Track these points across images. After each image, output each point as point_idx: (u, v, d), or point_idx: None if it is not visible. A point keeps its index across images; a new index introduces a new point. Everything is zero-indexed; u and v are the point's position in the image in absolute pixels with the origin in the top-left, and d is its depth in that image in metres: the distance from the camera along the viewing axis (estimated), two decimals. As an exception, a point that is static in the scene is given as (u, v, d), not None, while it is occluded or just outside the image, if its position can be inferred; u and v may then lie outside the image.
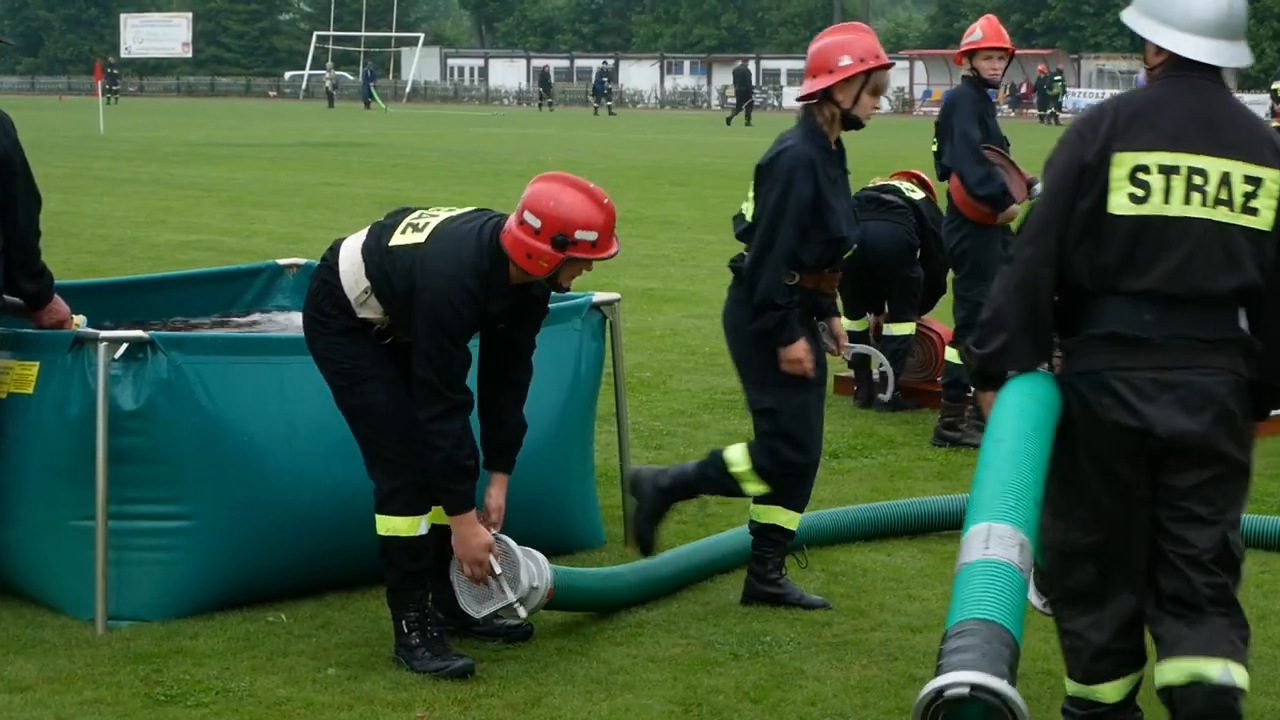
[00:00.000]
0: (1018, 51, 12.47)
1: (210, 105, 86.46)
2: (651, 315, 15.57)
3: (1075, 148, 5.12)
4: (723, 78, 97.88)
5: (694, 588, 7.47)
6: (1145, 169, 5.02)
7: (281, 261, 9.28)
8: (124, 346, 6.73)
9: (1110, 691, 5.37)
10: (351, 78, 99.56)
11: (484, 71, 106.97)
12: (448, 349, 6.23)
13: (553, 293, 6.60)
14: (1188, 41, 5.05)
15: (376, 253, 6.39)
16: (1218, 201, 5.01)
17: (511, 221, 6.29)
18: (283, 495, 6.94)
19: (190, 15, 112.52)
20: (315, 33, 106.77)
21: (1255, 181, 5.03)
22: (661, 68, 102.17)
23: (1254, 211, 5.03)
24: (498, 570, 6.46)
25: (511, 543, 6.51)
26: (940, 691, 4.51)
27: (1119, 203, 5.03)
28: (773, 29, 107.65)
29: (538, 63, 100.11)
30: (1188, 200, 5.02)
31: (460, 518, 6.39)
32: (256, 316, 8.82)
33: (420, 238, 6.34)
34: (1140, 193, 5.02)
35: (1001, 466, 5.00)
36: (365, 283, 6.39)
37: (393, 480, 6.42)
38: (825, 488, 9.28)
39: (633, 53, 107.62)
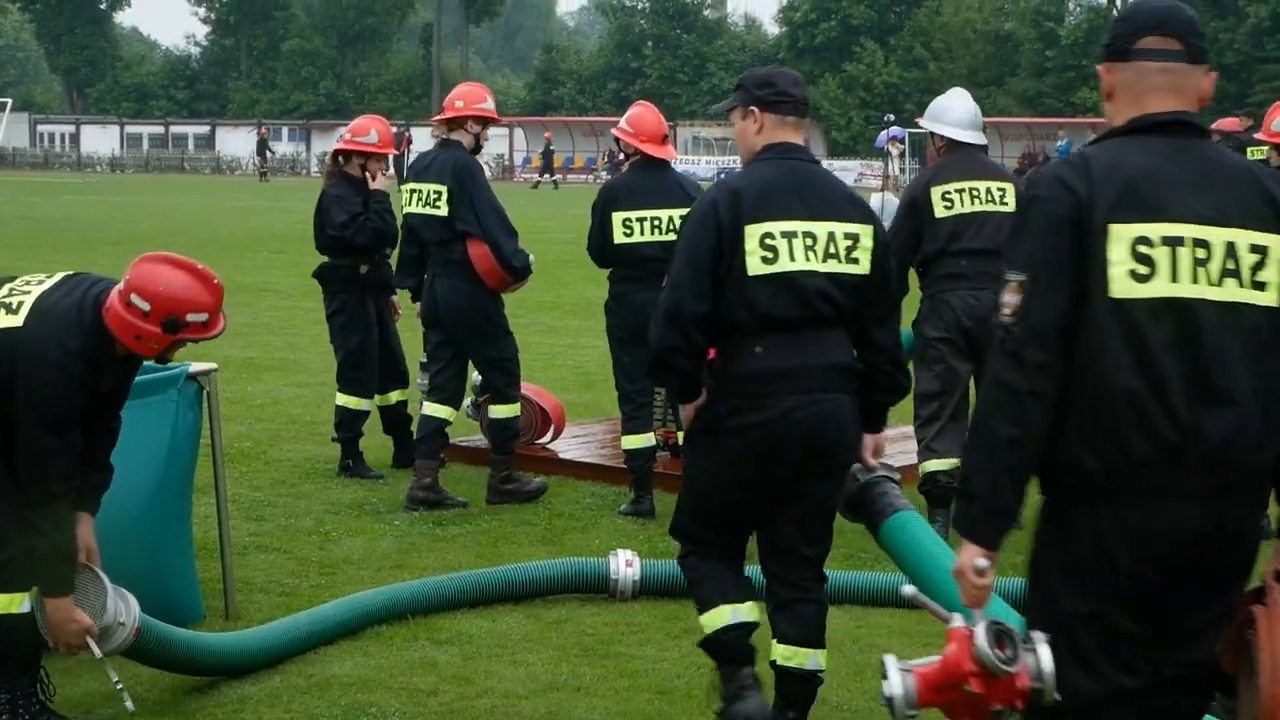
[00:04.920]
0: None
1: None
2: (251, 384, 15.35)
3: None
4: (322, 144, 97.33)
5: (297, 660, 7.35)
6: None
7: None
8: None
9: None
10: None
11: (75, 138, 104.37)
12: (57, 438, 6.02)
13: (148, 361, 6.46)
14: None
15: None
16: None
17: (116, 302, 6.12)
18: None
19: None
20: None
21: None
22: (260, 134, 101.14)
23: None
24: (97, 653, 6.28)
25: (103, 575, 6.36)
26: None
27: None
28: (372, 95, 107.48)
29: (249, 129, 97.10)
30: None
31: (59, 602, 6.18)
32: None
33: (17, 320, 6.09)
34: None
35: None
36: None
37: None
38: (430, 555, 9.26)
39: (229, 119, 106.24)
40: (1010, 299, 4.24)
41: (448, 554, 9.32)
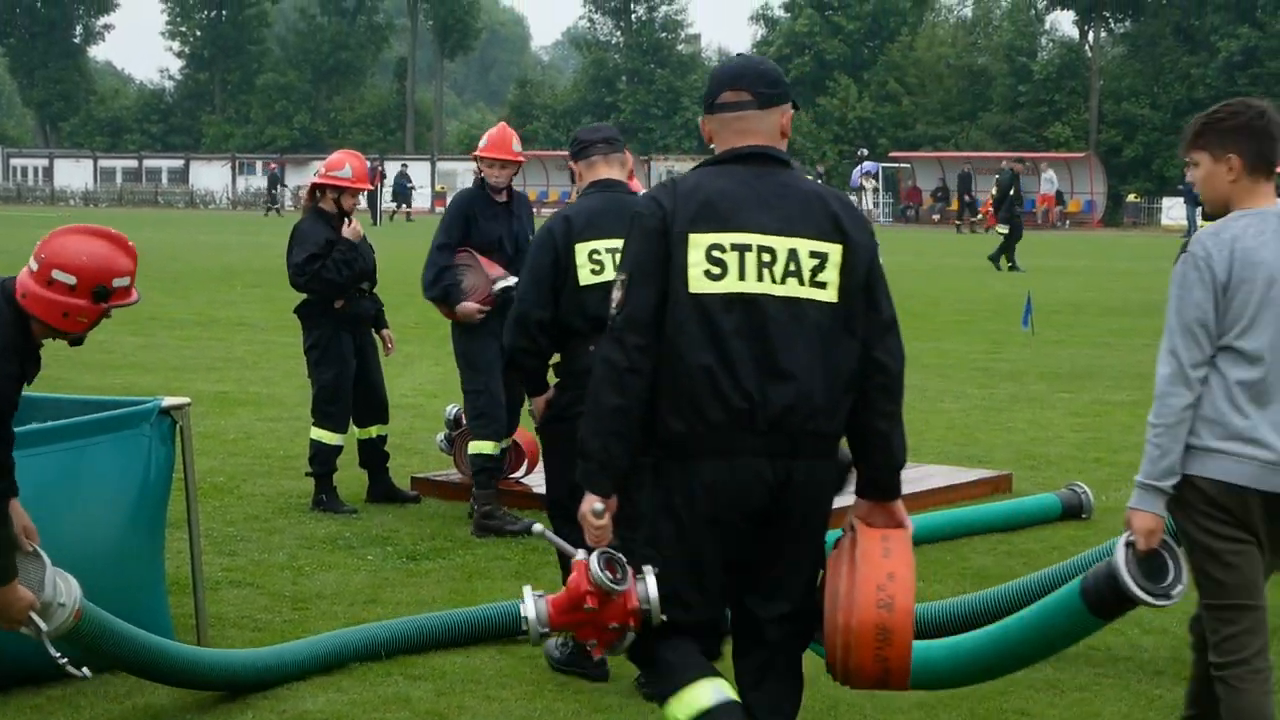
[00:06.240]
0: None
1: None
2: (224, 419, 15.31)
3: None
4: (296, 179, 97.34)
5: (269, 695, 7.33)
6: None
7: None
8: None
9: None
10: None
11: (49, 171, 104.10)
12: None
13: (124, 399, 6.43)
14: None
15: None
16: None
17: (32, 284, 6.07)
18: None
19: None
20: None
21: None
22: (233, 168, 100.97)
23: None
24: (43, 627, 6.21)
25: (43, 554, 6.31)
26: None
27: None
28: (346, 129, 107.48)
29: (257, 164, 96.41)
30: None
31: (5, 589, 6.13)
32: None
33: None
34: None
35: None
36: None
37: None
38: (403, 590, 9.24)
39: (203, 153, 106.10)
40: (616, 294, 5.29)
41: (421, 589, 9.29)
